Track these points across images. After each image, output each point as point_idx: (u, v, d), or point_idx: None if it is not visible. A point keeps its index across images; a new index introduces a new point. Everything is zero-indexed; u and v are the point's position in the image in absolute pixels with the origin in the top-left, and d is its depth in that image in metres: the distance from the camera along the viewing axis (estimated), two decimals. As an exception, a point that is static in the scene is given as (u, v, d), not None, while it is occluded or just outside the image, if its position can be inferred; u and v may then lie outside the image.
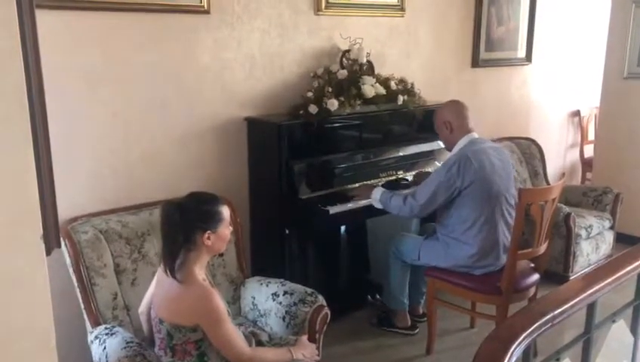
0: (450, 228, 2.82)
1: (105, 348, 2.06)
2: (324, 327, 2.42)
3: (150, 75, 2.63)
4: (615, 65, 4.49)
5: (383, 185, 3.07)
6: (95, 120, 2.50)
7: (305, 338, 2.22)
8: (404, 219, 3.28)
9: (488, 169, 2.72)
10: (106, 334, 2.12)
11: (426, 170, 3.28)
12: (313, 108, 2.90)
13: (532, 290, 2.87)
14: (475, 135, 2.86)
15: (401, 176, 3.27)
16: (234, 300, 2.63)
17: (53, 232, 1.14)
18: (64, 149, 2.39)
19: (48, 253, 1.12)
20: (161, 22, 2.62)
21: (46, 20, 2.17)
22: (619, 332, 1.83)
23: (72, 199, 2.42)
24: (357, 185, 3.08)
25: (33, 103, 1.08)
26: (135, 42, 2.56)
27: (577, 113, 5.40)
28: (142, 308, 2.12)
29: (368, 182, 3.11)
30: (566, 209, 3.71)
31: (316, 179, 2.96)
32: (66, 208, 2.34)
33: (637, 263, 1.79)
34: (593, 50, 5.14)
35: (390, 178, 3.26)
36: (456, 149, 2.83)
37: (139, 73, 2.59)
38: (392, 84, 3.26)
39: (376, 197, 2.92)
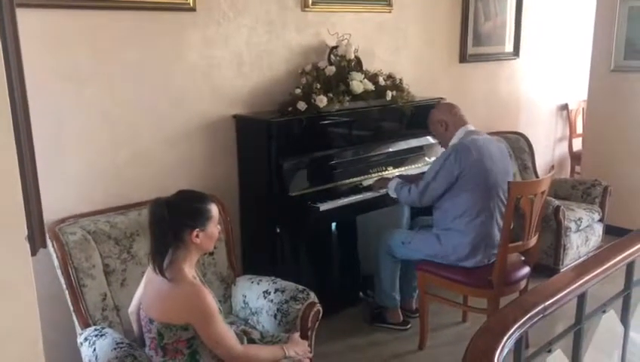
0: (445, 214, 2.84)
1: (95, 349, 2.04)
2: (316, 324, 2.41)
3: (137, 73, 2.60)
4: (602, 59, 4.52)
5: (399, 176, 3.15)
6: (82, 120, 2.48)
7: (297, 335, 2.22)
8: (406, 208, 3.43)
9: (487, 159, 2.76)
10: (96, 335, 2.11)
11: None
12: (302, 105, 2.89)
13: (523, 283, 2.88)
14: (471, 127, 2.90)
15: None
16: (225, 299, 2.62)
17: (38, 232, 1.13)
18: (51, 150, 2.36)
19: (34, 253, 1.11)
20: (147, 19, 2.59)
21: (28, 20, 2.15)
22: (609, 322, 1.84)
23: (60, 200, 2.40)
24: (347, 181, 3.08)
25: (15, 103, 1.06)
26: (120, 41, 2.53)
27: (565, 107, 5.43)
28: (132, 308, 2.11)
29: (363, 176, 3.13)
30: (555, 202, 3.73)
31: (306, 176, 2.95)
32: (54, 209, 2.31)
33: (626, 254, 1.80)
34: (580, 44, 5.17)
35: (410, 169, 3.36)
36: (453, 141, 2.86)
37: (125, 72, 2.57)
38: (381, 80, 3.25)
39: (392, 186, 3.02)
